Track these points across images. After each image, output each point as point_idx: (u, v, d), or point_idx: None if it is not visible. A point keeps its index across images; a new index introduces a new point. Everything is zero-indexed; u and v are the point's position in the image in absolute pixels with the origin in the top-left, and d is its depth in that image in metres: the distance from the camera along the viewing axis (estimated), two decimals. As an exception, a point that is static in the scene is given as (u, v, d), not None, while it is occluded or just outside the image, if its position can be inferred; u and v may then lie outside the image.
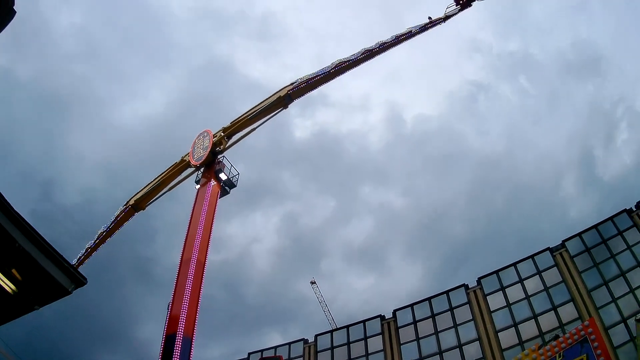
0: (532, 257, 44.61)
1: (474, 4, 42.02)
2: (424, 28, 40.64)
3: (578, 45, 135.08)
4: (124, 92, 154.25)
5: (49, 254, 12.23)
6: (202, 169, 38.63)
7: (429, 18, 40.49)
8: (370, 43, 38.76)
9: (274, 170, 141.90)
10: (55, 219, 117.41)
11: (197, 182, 38.56)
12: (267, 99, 37.73)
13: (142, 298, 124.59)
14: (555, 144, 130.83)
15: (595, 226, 42.22)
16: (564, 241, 43.37)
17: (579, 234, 42.65)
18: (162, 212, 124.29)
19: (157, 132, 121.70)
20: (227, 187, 38.57)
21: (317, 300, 71.75)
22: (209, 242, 35.21)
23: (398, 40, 39.27)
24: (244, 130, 38.79)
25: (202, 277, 33.14)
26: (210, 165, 38.07)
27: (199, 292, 32.40)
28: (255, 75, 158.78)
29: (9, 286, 11.44)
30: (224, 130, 38.47)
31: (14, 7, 12.14)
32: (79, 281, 13.35)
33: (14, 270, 11.65)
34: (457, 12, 41.62)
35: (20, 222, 11.56)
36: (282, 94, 36.22)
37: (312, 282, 73.05)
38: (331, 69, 36.93)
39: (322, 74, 36.88)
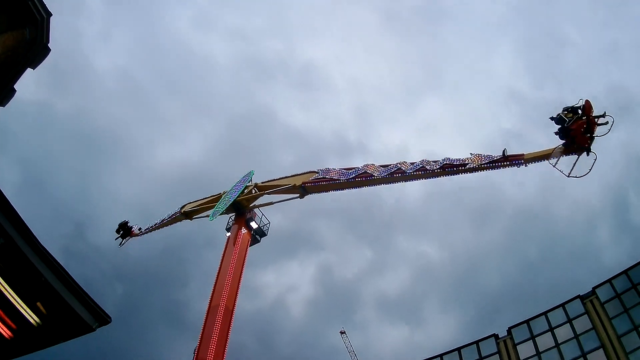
0: (562, 305, 44.05)
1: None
2: (490, 165, 28.19)
3: (611, 91, 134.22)
4: (162, 136, 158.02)
5: (74, 290, 12.86)
6: (233, 216, 39.33)
7: (503, 152, 27.69)
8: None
9: (311, 220, 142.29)
10: (87, 257, 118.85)
11: (227, 230, 39.19)
12: (286, 177, 37.67)
13: (172, 342, 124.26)
14: (589, 191, 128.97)
15: (625, 271, 41.64)
16: (594, 288, 42.82)
17: (609, 280, 42.05)
18: (197, 258, 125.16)
19: (194, 178, 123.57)
20: (257, 235, 39.12)
21: (347, 350, 71.31)
22: (238, 289, 35.62)
23: (445, 170, 29.54)
24: (266, 199, 39.27)
25: (230, 324, 33.49)
26: (242, 213, 38.74)
27: (227, 339, 32.74)
28: (295, 125, 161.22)
29: (33, 318, 12.10)
30: (257, 186, 39.00)
31: (49, 45, 13.24)
32: (103, 319, 13.97)
33: (39, 304, 12.31)
34: (559, 156, 26.88)
35: (47, 257, 12.24)
36: (297, 182, 35.81)
37: (342, 332, 72.68)
38: (350, 178, 33.23)
39: (339, 179, 33.77)
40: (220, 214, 38.71)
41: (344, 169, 33.83)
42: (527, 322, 45.37)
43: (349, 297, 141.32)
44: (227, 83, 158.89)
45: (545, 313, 44.86)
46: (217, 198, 41.53)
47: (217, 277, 35.82)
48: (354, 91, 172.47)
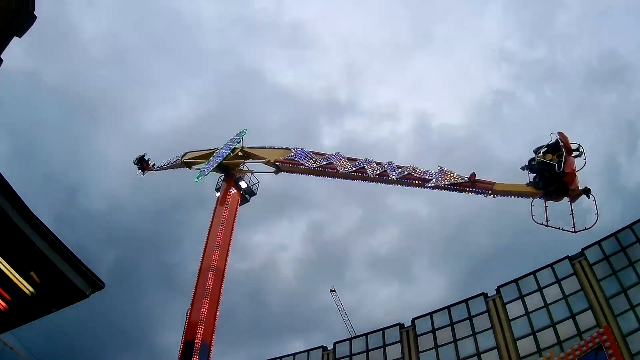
0: (551, 265, 44.36)
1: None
2: (453, 187, 26.13)
3: (603, 54, 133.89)
4: (151, 97, 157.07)
5: (67, 258, 12.63)
6: (222, 176, 39.07)
7: (471, 177, 25.15)
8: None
9: (301, 178, 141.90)
10: (80, 224, 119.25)
11: (217, 190, 38.96)
12: (268, 148, 37.08)
13: (166, 304, 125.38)
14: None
15: (614, 234, 41.81)
16: (583, 249, 43.01)
17: (598, 242, 42.22)
18: (188, 219, 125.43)
19: (185, 139, 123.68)
20: (247, 195, 38.92)
21: (337, 308, 72.04)
22: (228, 249, 35.60)
23: (405, 181, 28.28)
24: (249, 166, 38.95)
25: (221, 284, 33.57)
26: (229, 173, 38.48)
27: (218, 299, 32.85)
28: (284, 83, 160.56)
29: (27, 288, 11.87)
30: (243, 149, 38.58)
31: (35, 12, 12.76)
32: (97, 285, 13.76)
33: (32, 273, 12.07)
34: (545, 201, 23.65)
35: (39, 225, 11.97)
36: (271, 158, 35.37)
37: (332, 290, 73.29)
38: (316, 167, 32.25)
39: (306, 166, 33.11)
40: (206, 175, 38.50)
41: (316, 153, 33.11)
42: (515, 281, 45.71)
43: (339, 255, 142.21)
44: (215, 42, 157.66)
45: (534, 273, 45.20)
46: (201, 155, 41.54)
47: (208, 238, 35.79)
48: (343, 50, 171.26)
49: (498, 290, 46.50)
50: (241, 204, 38.68)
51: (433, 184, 26.64)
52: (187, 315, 32.23)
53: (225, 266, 34.75)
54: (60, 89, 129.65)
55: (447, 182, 25.97)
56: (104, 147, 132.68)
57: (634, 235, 40.42)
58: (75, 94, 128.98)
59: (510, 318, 43.46)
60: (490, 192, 25.20)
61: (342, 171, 30.31)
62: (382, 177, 28.80)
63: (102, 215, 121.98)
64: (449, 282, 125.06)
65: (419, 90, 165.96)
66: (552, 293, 42.54)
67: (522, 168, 23.70)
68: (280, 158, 34.20)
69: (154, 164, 45.21)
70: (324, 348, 51.87)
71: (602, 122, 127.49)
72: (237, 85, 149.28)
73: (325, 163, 31.48)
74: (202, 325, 30.35)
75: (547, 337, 40.07)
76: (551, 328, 40.44)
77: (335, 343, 51.98)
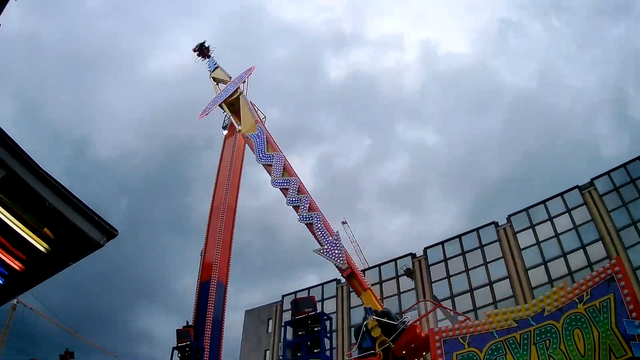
0: (561, 194, 44.24)
1: None
2: (337, 267, 26.39)
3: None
4: (153, 44, 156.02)
5: (79, 209, 12.59)
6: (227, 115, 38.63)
7: (346, 272, 25.82)
8: None
9: (309, 111, 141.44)
10: (90, 175, 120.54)
11: (224, 128, 38.63)
12: (255, 107, 36.27)
13: (180, 249, 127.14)
14: (587, 83, 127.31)
15: (623, 165, 41.62)
16: (592, 179, 42.85)
17: (608, 173, 42.05)
18: (198, 160, 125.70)
19: (190, 81, 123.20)
20: (254, 131, 38.56)
21: (349, 240, 72.41)
22: (238, 187, 35.69)
23: (309, 226, 28.11)
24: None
25: (233, 223, 33.76)
26: (236, 110, 38.07)
27: (231, 238, 33.11)
28: (288, 18, 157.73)
29: (42, 246, 11.90)
30: (240, 96, 37.86)
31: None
32: (110, 233, 13.75)
33: (45, 230, 12.08)
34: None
35: (49, 180, 11.89)
36: (245, 126, 34.04)
37: (343, 222, 73.45)
38: (262, 162, 31.27)
39: (256, 155, 31.89)
40: (206, 115, 38.13)
41: (270, 142, 31.98)
42: (526, 210, 45.69)
43: (350, 187, 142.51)
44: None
45: (544, 202, 45.12)
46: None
47: (217, 177, 35.82)
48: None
49: (509, 219, 46.57)
50: (248, 140, 38.32)
51: (322, 252, 26.56)
52: (201, 255, 32.50)
53: (236, 203, 34.91)
54: (61, 45, 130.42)
55: (331, 258, 26.12)
56: (108, 97, 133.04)
57: (643, 168, 40.26)
58: (77, 49, 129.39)
59: (521, 247, 43.68)
60: (359, 293, 26.13)
61: (272, 180, 30.03)
62: (294, 210, 28.71)
63: (112, 164, 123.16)
64: (459, 211, 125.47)
65: (424, 20, 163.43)
66: (563, 223, 42.57)
67: (368, 309, 23.62)
68: (247, 134, 33.53)
69: (211, 53, 44.18)
70: (337, 281, 52.54)
71: (610, 54, 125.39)
72: (240, 24, 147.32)
73: (267, 162, 30.79)
74: (216, 264, 30.67)
75: (558, 267, 40.40)
76: (562, 258, 40.75)
77: (348, 275, 52.60)
